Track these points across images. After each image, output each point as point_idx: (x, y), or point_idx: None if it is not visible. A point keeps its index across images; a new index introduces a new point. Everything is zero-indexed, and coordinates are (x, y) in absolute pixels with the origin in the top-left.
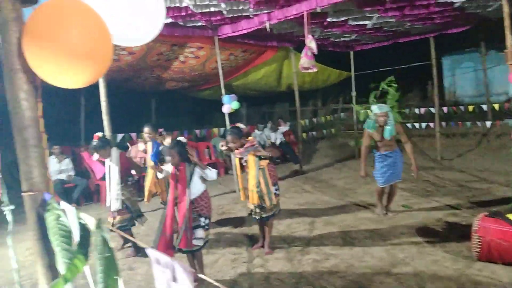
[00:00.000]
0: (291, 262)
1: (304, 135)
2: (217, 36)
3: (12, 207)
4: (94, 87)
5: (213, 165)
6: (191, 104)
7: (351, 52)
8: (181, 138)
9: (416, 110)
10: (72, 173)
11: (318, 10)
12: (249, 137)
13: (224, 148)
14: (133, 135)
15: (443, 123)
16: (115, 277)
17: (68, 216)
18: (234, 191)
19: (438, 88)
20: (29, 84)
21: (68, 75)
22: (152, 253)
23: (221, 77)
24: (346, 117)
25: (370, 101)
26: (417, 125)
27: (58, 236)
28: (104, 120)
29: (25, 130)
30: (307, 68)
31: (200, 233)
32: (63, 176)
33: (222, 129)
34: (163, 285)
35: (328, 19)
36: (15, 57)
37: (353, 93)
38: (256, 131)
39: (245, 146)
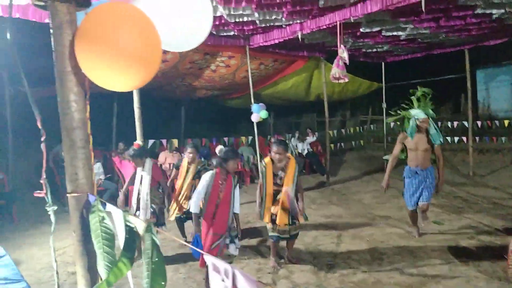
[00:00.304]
0: (316, 275)
1: (331, 146)
2: (248, 45)
3: (55, 207)
4: (127, 93)
5: (240, 174)
6: (219, 112)
7: (383, 63)
8: (218, 148)
9: (448, 124)
10: (102, 177)
11: (352, 20)
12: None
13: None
14: (164, 141)
15: (477, 138)
16: (162, 282)
17: (115, 219)
18: None
19: (471, 102)
20: (79, 86)
21: (118, 78)
22: (210, 260)
23: (251, 86)
24: (375, 129)
25: (415, 105)
26: (449, 139)
27: (101, 238)
28: (136, 126)
29: (73, 132)
30: (338, 78)
31: (232, 248)
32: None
33: (250, 137)
34: None
35: (361, 29)
36: (67, 59)
37: (384, 105)
38: None
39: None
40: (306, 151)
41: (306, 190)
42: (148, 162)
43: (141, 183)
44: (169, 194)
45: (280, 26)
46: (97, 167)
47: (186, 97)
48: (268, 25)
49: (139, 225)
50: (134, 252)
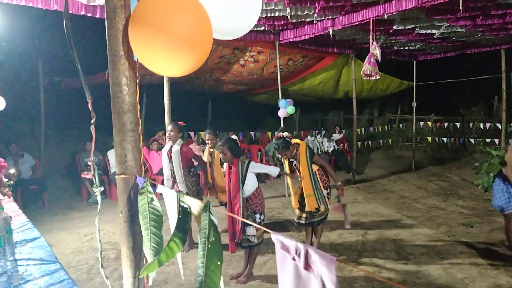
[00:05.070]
0: (341, 272)
1: (359, 144)
2: (278, 41)
3: (102, 188)
4: (157, 85)
5: None
6: (245, 107)
7: (414, 62)
8: (233, 136)
9: (481, 125)
10: None
11: (385, 17)
12: (294, 140)
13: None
14: (191, 133)
15: (510, 140)
16: (218, 263)
17: (166, 199)
18: (284, 196)
19: (505, 103)
20: (131, 70)
21: (170, 63)
22: (278, 239)
23: (279, 82)
24: (404, 128)
25: None
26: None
27: (149, 219)
28: (166, 118)
29: (124, 115)
30: (369, 75)
31: (251, 230)
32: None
33: (276, 132)
34: (290, 273)
35: (394, 27)
36: (120, 43)
37: (414, 104)
38: (308, 137)
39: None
40: (332, 148)
41: (331, 188)
42: (180, 141)
43: (170, 159)
44: (206, 170)
45: (311, 22)
46: None
47: (213, 91)
48: (299, 20)
49: (195, 204)
50: (187, 232)
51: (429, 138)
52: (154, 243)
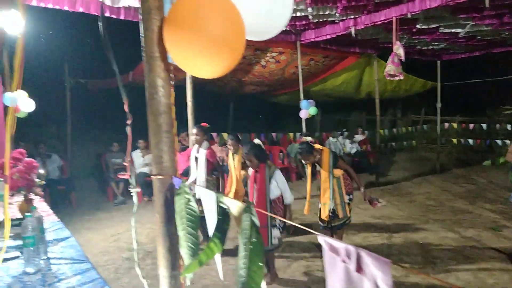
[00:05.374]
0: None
1: (382, 145)
2: (299, 41)
3: (138, 189)
4: (180, 86)
5: (286, 170)
6: (266, 108)
7: (438, 62)
8: (256, 140)
9: (508, 126)
10: None
11: (409, 16)
12: (316, 145)
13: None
14: (214, 134)
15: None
16: (260, 264)
17: (207, 200)
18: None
19: None
20: (166, 72)
21: (205, 65)
22: (326, 241)
23: (300, 82)
24: (428, 129)
25: None
26: (508, 141)
27: (185, 220)
28: (188, 120)
29: (159, 116)
30: (393, 76)
31: (276, 232)
32: (146, 170)
33: (298, 134)
34: (340, 275)
35: (418, 26)
36: (155, 45)
37: (438, 105)
38: (330, 138)
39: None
40: (354, 150)
41: (355, 190)
42: (206, 143)
43: (196, 161)
44: (223, 176)
45: (333, 22)
46: (149, 158)
47: (235, 92)
48: (320, 20)
49: (234, 206)
50: (226, 233)
51: (455, 140)
52: (191, 243)
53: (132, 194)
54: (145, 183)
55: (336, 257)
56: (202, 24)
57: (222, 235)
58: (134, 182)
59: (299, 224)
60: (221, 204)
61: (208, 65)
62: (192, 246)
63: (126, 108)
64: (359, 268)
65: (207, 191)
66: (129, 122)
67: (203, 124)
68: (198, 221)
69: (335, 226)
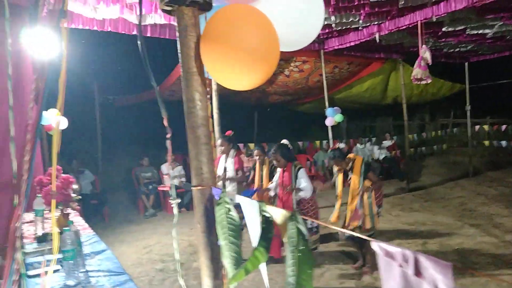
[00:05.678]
0: None
1: (411, 150)
2: (323, 49)
3: (178, 200)
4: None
5: (313, 178)
6: (290, 117)
7: (466, 63)
8: (284, 140)
9: None
10: (183, 179)
11: (434, 19)
12: (350, 155)
13: (338, 171)
14: (241, 145)
15: None
16: (309, 271)
17: (246, 209)
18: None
19: None
20: (203, 86)
21: (241, 77)
22: (381, 246)
23: (325, 90)
24: (458, 132)
25: None
26: None
27: (227, 229)
28: (215, 131)
29: (198, 129)
30: (420, 80)
31: (309, 234)
32: (175, 182)
33: (324, 141)
34: (397, 280)
35: (443, 29)
36: (192, 61)
37: (468, 107)
38: (357, 145)
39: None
40: (383, 156)
41: (384, 196)
42: (233, 151)
43: (225, 170)
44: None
45: (357, 29)
46: (178, 170)
47: (259, 102)
48: (344, 28)
49: (277, 213)
50: (270, 241)
51: (486, 142)
52: (233, 252)
53: (172, 205)
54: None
55: (392, 262)
56: (238, 38)
57: (267, 243)
58: (174, 193)
59: (330, 232)
60: (264, 213)
61: (244, 77)
62: (235, 255)
63: (165, 122)
64: (418, 272)
65: (249, 200)
66: (168, 136)
67: (227, 132)
68: (239, 230)
69: (361, 238)
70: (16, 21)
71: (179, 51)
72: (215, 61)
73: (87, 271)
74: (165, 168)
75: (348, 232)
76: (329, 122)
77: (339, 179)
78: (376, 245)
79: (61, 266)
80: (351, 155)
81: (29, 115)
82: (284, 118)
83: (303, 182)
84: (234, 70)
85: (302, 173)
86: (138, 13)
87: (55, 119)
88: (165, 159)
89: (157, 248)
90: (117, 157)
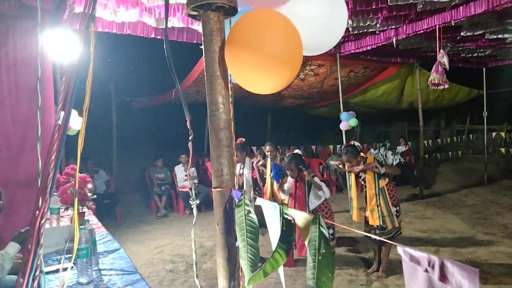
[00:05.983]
0: None
1: (426, 156)
2: (339, 53)
3: (198, 201)
4: None
5: (326, 183)
6: (304, 121)
7: (484, 69)
8: (297, 151)
9: None
10: (196, 181)
11: (452, 23)
12: (368, 155)
13: (340, 167)
14: (254, 148)
15: None
16: (330, 274)
17: (266, 212)
18: (347, 211)
19: None
20: (226, 90)
21: (264, 81)
22: (405, 251)
23: (340, 95)
24: (474, 139)
25: None
26: None
27: (245, 231)
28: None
29: (220, 131)
30: (437, 84)
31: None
32: (195, 183)
33: (338, 146)
34: (422, 285)
35: (462, 33)
36: (216, 65)
37: (485, 113)
38: (371, 150)
39: (366, 165)
40: (397, 161)
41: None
42: (248, 159)
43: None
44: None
45: (373, 32)
46: (192, 172)
47: (273, 106)
48: (360, 32)
49: (300, 217)
50: (291, 244)
51: (503, 149)
52: (251, 254)
53: (192, 206)
54: (188, 196)
55: (417, 266)
56: (262, 43)
57: (287, 246)
58: (194, 194)
59: (340, 236)
60: (286, 216)
61: (267, 82)
62: (252, 258)
63: (188, 124)
64: (443, 277)
65: (270, 202)
66: (190, 138)
67: (238, 140)
68: (258, 232)
69: (385, 238)
70: (41, 23)
71: (204, 55)
72: (240, 65)
73: (99, 270)
74: (178, 169)
75: (373, 236)
76: (343, 126)
77: (352, 179)
78: (401, 250)
79: (74, 263)
80: (363, 154)
81: (58, 115)
82: (298, 122)
83: (322, 186)
84: (258, 74)
85: (316, 179)
86: (163, 16)
87: (75, 120)
88: (179, 160)
89: (168, 249)
90: (132, 158)
